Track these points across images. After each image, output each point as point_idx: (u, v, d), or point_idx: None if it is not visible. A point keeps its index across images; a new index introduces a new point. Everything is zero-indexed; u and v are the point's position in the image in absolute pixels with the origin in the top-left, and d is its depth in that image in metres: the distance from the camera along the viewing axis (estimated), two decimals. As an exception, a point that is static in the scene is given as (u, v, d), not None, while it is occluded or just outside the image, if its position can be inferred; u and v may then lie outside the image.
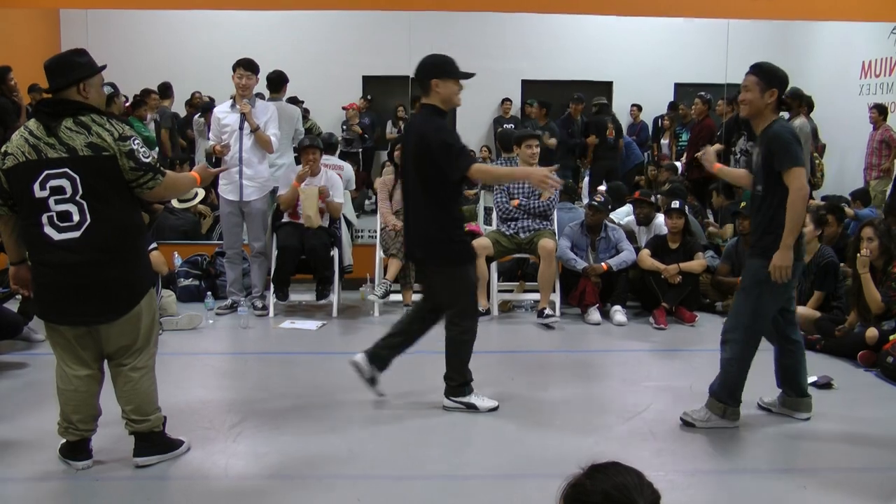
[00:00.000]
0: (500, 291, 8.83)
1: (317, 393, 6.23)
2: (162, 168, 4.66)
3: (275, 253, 8.63)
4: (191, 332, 7.92)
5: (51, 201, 4.41)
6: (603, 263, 8.53)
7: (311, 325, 8.24)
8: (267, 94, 9.62)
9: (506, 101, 15.89)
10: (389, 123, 15.44)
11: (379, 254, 8.95)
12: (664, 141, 14.65)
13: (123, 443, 4.98)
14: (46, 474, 4.72)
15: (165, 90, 13.22)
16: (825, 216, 8.19)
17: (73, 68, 4.56)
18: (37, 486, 4.60)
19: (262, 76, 8.88)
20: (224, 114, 8.48)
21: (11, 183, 4.49)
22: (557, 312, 8.48)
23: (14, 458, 4.94)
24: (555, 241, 8.49)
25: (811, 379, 6.46)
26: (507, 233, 8.59)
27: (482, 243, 8.43)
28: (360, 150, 14.99)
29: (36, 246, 4.53)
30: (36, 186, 4.40)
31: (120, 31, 14.73)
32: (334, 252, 8.71)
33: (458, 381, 5.84)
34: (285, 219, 8.71)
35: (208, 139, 8.78)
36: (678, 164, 12.60)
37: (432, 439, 5.30)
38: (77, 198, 4.40)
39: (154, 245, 7.96)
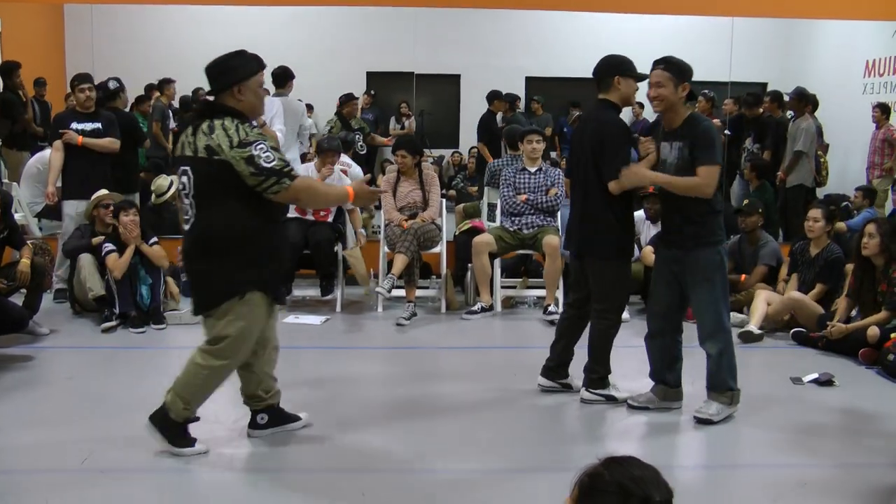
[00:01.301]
0: (503, 287, 8.85)
1: (321, 387, 6.26)
2: (293, 173, 4.67)
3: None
4: (195, 326, 7.89)
5: (182, 194, 4.79)
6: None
7: (315, 319, 8.26)
8: (272, 89, 9.62)
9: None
10: (393, 120, 15.43)
11: (383, 249, 8.97)
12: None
13: (131, 436, 5.02)
14: (53, 467, 4.75)
15: (161, 85, 13.22)
16: (835, 211, 8.22)
17: (227, 72, 4.75)
18: (44, 479, 4.63)
19: (267, 72, 8.86)
20: None
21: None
22: (561, 308, 8.49)
23: (21, 451, 4.97)
24: (559, 237, 8.50)
25: (813, 376, 6.49)
26: (511, 228, 8.60)
27: (485, 239, 8.46)
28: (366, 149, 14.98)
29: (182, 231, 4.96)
30: (178, 178, 4.82)
31: (124, 26, 14.72)
32: (339, 247, 8.72)
33: (600, 374, 5.94)
34: (291, 213, 8.70)
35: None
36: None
37: (437, 433, 5.32)
38: (191, 195, 4.68)
39: (155, 239, 7.99)
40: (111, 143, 8.70)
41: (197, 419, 4.96)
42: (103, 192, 8.32)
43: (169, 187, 10.26)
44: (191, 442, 4.95)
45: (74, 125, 8.59)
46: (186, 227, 4.78)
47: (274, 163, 4.57)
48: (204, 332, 4.85)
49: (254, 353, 4.99)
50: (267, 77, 8.79)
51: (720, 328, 5.50)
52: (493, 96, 13.20)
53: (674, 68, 5.42)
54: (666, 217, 5.72)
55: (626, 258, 5.82)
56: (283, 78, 9.78)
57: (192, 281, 4.95)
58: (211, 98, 4.80)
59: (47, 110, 12.08)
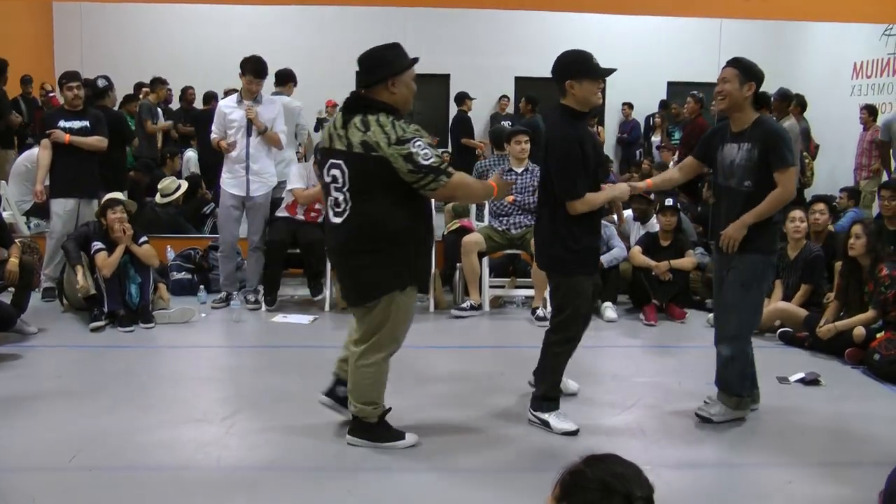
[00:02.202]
0: (491, 287, 8.86)
1: (309, 386, 6.24)
2: (449, 170, 4.74)
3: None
4: (183, 326, 7.94)
5: (331, 187, 4.81)
6: (594, 260, 8.58)
7: (303, 318, 8.26)
8: (271, 88, 9.62)
9: (503, 98, 15.91)
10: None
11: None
12: (655, 139, 14.70)
13: (119, 435, 5.02)
14: (40, 465, 4.76)
15: (153, 84, 13.23)
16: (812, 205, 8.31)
17: (383, 65, 4.78)
18: (32, 477, 4.63)
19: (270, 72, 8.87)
20: (230, 109, 8.42)
21: (319, 164, 5.00)
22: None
23: (9, 449, 4.97)
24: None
25: (798, 375, 6.52)
26: (499, 228, 8.61)
27: (474, 239, 8.48)
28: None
29: (325, 223, 5.10)
30: (324, 172, 4.83)
31: (113, 24, 14.75)
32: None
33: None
34: (281, 213, 8.72)
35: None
36: (671, 162, 12.64)
37: (423, 433, 5.32)
38: (344, 189, 4.74)
39: (145, 238, 7.98)
40: (99, 141, 8.68)
41: (389, 409, 5.15)
42: (116, 194, 8.31)
43: (176, 189, 10.34)
44: (400, 435, 5.13)
45: (62, 123, 8.57)
46: (338, 219, 4.83)
47: (431, 160, 4.63)
48: (357, 324, 5.07)
49: None
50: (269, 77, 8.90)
51: (739, 335, 5.46)
52: (463, 96, 13.27)
53: (741, 67, 5.34)
54: (725, 221, 5.45)
55: (572, 275, 5.37)
56: (285, 78, 9.80)
57: (347, 274, 5.02)
58: (360, 91, 4.84)
59: (34, 108, 12.09)
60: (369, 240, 4.76)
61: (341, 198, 4.76)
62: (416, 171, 4.61)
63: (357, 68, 4.86)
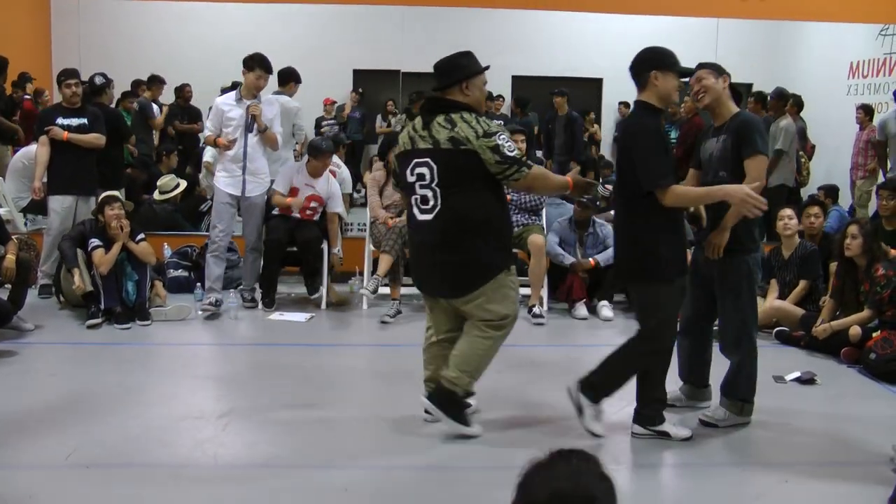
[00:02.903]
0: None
1: (305, 384, 6.27)
2: (529, 162, 5.06)
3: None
4: (180, 323, 7.94)
5: (416, 186, 5.05)
6: (590, 259, 8.59)
7: (300, 316, 8.27)
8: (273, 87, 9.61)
9: (499, 97, 15.89)
10: (379, 118, 15.44)
11: (368, 247, 8.99)
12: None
13: (115, 431, 5.02)
14: (37, 462, 4.74)
15: (150, 82, 13.21)
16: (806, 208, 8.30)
17: (456, 69, 5.12)
18: (28, 474, 4.62)
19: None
20: (229, 106, 8.28)
21: (399, 167, 5.23)
22: (546, 307, 8.54)
23: (5, 446, 4.95)
24: (544, 236, 8.55)
25: (795, 375, 6.53)
26: (497, 227, 8.59)
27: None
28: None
29: (409, 223, 5.30)
30: (408, 172, 5.07)
31: (110, 22, 14.73)
32: (325, 245, 8.75)
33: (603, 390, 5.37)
34: (275, 211, 8.71)
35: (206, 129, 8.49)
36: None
37: (419, 431, 5.33)
38: (433, 185, 4.99)
39: (142, 235, 7.98)
40: (97, 138, 8.69)
41: (474, 393, 5.32)
42: (112, 193, 8.31)
43: (175, 187, 10.35)
44: (469, 422, 5.25)
45: (60, 120, 8.58)
46: (427, 216, 5.05)
47: (515, 152, 4.96)
48: (443, 318, 5.33)
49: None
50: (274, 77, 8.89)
51: (742, 338, 5.43)
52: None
53: (712, 65, 5.37)
54: (712, 218, 5.41)
55: (652, 281, 5.13)
56: (287, 77, 9.79)
57: (446, 267, 5.12)
58: (437, 94, 5.16)
59: (15, 106, 12.05)
60: (466, 229, 5.00)
61: (430, 194, 5.01)
62: (502, 161, 4.92)
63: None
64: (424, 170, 5.01)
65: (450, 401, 5.17)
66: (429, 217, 5.05)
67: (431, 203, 5.03)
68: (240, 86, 8.44)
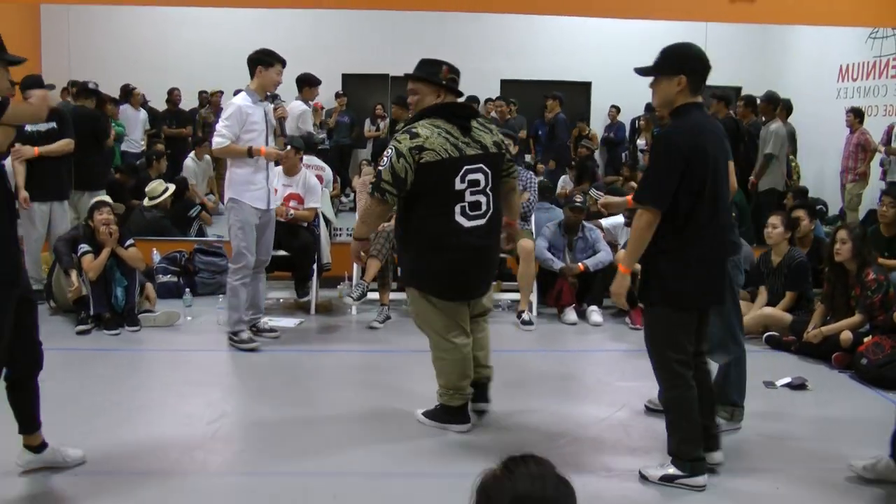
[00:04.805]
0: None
1: (294, 390, 6.25)
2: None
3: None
4: (168, 329, 7.91)
5: (467, 192, 5.11)
6: (580, 264, 8.57)
7: (289, 322, 8.23)
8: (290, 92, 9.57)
9: (489, 100, 15.88)
10: (368, 121, 15.41)
11: (357, 251, 8.95)
12: (640, 141, 14.72)
13: (103, 438, 4.99)
14: (24, 470, 4.70)
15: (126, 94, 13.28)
16: (797, 220, 8.21)
17: (458, 76, 5.41)
18: (15, 480, 4.58)
19: (247, 71, 8.62)
20: (252, 109, 7.29)
21: (428, 176, 5.06)
22: (535, 312, 8.52)
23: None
24: (533, 241, 8.53)
25: (786, 380, 6.52)
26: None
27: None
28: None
29: (444, 232, 5.14)
30: (457, 180, 5.08)
31: (100, 26, 14.66)
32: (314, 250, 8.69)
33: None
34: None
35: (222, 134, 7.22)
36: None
37: (409, 438, 5.32)
38: (487, 189, 5.16)
39: (131, 241, 7.96)
40: (66, 144, 8.67)
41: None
42: (103, 197, 8.28)
43: (163, 192, 10.29)
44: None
45: (28, 128, 8.43)
46: (481, 220, 5.19)
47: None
48: (476, 307, 5.56)
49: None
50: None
51: (728, 339, 5.41)
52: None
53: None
54: None
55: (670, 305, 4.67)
56: (303, 82, 10.02)
57: (494, 265, 5.63)
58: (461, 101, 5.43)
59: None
60: (499, 230, 5.42)
61: (483, 199, 5.15)
62: (511, 160, 5.46)
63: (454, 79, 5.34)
64: (479, 175, 5.13)
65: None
66: (481, 222, 5.17)
67: (484, 208, 5.17)
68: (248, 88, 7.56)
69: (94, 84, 9.71)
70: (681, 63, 4.62)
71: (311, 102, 10.50)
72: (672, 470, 4.70)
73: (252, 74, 7.34)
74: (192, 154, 12.64)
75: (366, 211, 5.46)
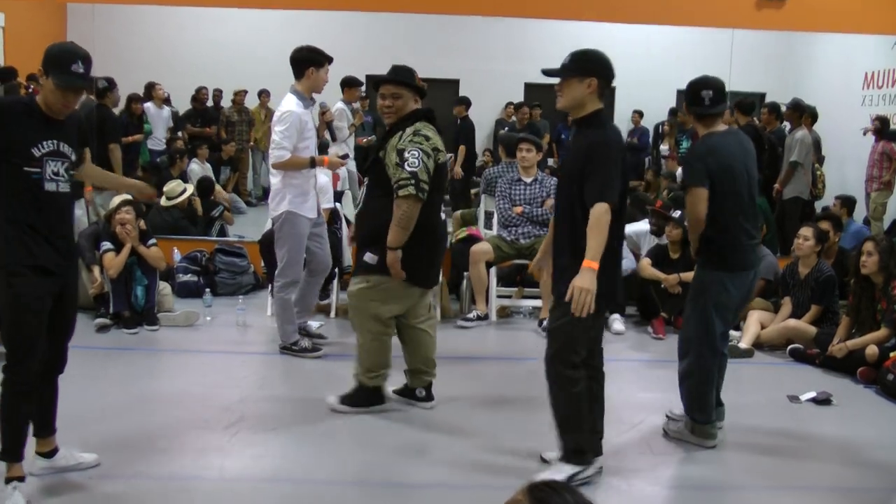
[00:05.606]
0: (498, 297, 8.79)
1: (314, 394, 6.20)
2: None
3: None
4: (187, 329, 7.90)
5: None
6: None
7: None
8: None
9: (509, 104, 15.83)
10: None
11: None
12: (664, 146, 14.66)
13: (122, 443, 4.97)
14: (38, 471, 4.67)
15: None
16: (827, 233, 8.08)
17: None
18: (30, 480, 4.52)
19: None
20: (307, 115, 7.02)
21: (437, 175, 5.51)
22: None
23: None
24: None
25: (810, 394, 6.43)
26: (508, 238, 8.54)
27: (483, 248, 8.41)
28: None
29: (437, 224, 5.71)
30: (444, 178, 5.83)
31: (125, 25, 14.71)
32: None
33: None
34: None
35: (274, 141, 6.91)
36: (678, 170, 12.55)
37: (431, 446, 5.28)
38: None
39: (153, 240, 7.95)
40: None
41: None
42: (126, 197, 8.25)
43: (181, 192, 10.24)
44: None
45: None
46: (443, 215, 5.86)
47: None
48: (425, 300, 5.98)
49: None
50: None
51: (687, 351, 5.39)
52: (458, 101, 13.30)
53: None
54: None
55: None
56: (343, 85, 10.45)
57: None
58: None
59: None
60: None
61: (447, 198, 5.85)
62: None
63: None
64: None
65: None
66: (444, 216, 5.86)
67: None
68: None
69: (104, 82, 9.76)
70: (592, 66, 4.75)
71: (353, 104, 10.54)
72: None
73: (300, 75, 6.96)
74: (195, 158, 12.63)
75: (406, 216, 5.32)
